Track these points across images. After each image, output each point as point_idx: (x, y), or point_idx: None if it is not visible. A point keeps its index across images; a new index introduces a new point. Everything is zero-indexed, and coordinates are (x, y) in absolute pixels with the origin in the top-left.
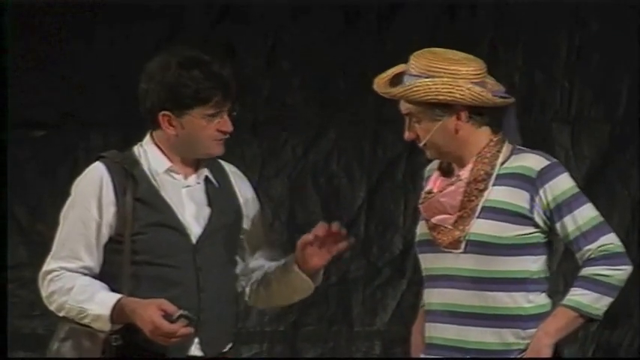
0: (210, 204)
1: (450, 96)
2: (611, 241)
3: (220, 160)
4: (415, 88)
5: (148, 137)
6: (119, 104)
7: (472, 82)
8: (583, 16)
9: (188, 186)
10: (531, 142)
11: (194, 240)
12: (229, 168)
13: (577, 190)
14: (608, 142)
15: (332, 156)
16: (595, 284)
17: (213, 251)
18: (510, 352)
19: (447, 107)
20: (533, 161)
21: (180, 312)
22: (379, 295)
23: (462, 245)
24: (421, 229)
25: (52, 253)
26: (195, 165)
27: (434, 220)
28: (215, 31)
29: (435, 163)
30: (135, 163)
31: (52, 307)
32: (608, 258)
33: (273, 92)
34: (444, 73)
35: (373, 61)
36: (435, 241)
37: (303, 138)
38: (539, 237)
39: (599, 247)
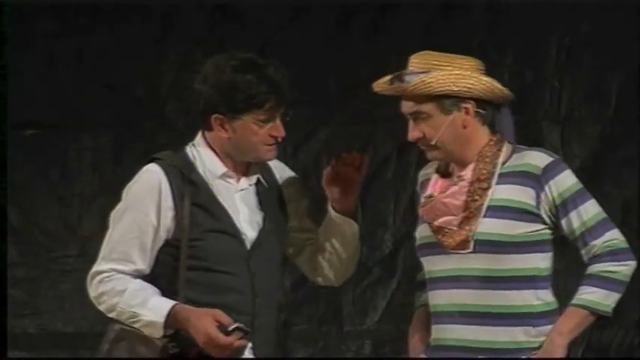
0: (262, 207)
1: (464, 86)
2: (615, 236)
3: None
4: (429, 81)
5: (200, 138)
6: (111, 105)
7: (480, 74)
8: (573, 16)
9: (241, 190)
10: (522, 141)
11: (248, 246)
12: (273, 163)
13: (580, 186)
14: (598, 141)
15: (322, 156)
16: (603, 281)
17: (265, 256)
18: (522, 351)
19: (456, 100)
20: (536, 158)
21: (236, 324)
22: (369, 295)
23: (471, 245)
24: (422, 233)
25: (102, 254)
26: (247, 167)
27: (437, 222)
28: (209, 32)
29: (431, 167)
30: (191, 166)
31: (101, 308)
32: (613, 254)
33: None
34: (452, 65)
35: (365, 61)
36: (441, 244)
37: (293, 138)
38: (546, 234)
39: (604, 242)
